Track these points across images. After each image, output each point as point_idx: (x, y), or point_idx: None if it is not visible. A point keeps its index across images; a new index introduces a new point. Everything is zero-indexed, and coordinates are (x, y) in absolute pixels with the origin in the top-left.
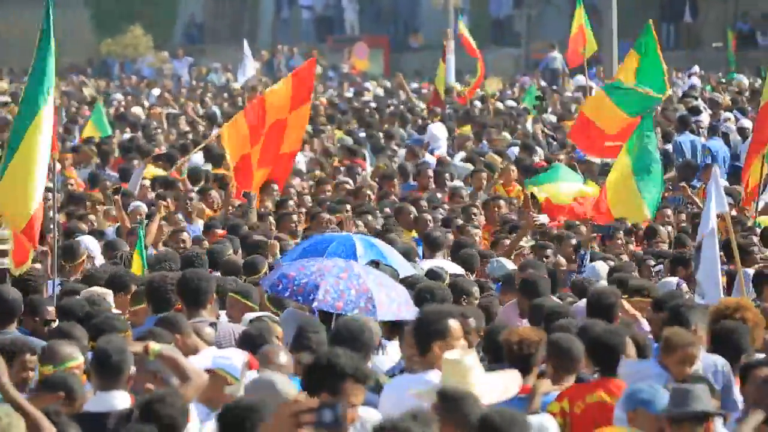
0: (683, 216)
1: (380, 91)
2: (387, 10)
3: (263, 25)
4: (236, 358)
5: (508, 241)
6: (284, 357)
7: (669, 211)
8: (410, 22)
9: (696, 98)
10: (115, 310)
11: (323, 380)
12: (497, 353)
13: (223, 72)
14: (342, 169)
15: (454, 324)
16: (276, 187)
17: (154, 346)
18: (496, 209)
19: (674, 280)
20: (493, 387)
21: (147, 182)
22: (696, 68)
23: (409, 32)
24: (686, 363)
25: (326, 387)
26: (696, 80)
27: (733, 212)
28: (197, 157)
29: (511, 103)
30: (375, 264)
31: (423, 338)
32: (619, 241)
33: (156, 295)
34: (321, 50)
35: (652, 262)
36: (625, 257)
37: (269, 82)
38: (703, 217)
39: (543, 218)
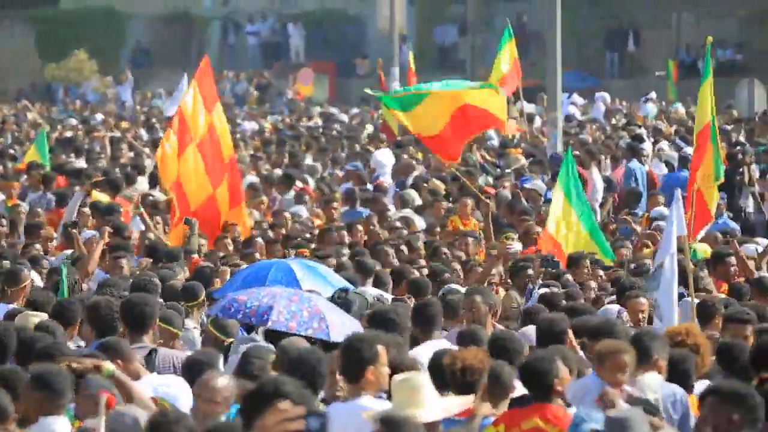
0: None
1: (345, 117)
2: (333, 37)
3: (210, 51)
4: (176, 386)
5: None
6: (222, 381)
7: (624, 251)
8: (356, 48)
9: (639, 126)
10: None
11: (265, 406)
12: (442, 379)
13: (167, 97)
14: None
15: (382, 350)
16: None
17: (107, 365)
18: (464, 246)
19: (615, 308)
20: (441, 406)
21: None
22: (653, 94)
23: (355, 58)
24: (618, 370)
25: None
26: (652, 106)
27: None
28: (143, 184)
29: None
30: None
31: (355, 364)
32: (586, 270)
33: (100, 321)
34: (267, 76)
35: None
36: (593, 284)
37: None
38: (664, 240)
39: (517, 246)
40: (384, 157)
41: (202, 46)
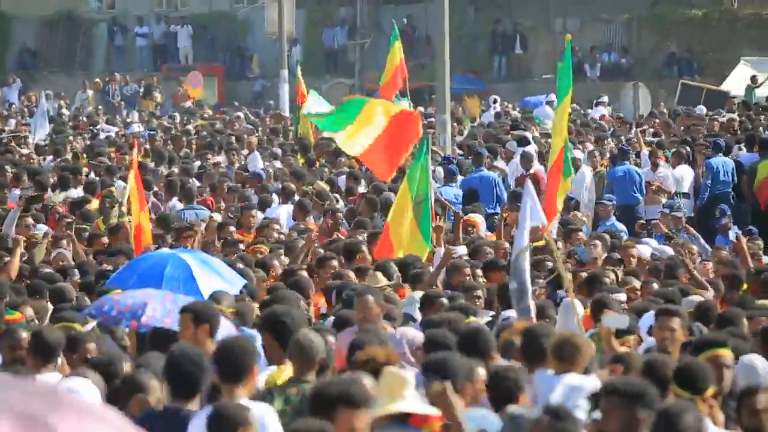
0: None
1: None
2: (221, 40)
3: (97, 53)
4: (83, 387)
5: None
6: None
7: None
8: (245, 51)
9: (525, 129)
10: None
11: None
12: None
13: (56, 99)
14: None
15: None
16: None
17: None
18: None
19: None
20: (418, 405)
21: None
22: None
23: (244, 61)
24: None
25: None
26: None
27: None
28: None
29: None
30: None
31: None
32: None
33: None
34: (156, 78)
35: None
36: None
37: (102, 111)
38: (518, 231)
39: (461, 250)
40: (257, 162)
41: (89, 49)
